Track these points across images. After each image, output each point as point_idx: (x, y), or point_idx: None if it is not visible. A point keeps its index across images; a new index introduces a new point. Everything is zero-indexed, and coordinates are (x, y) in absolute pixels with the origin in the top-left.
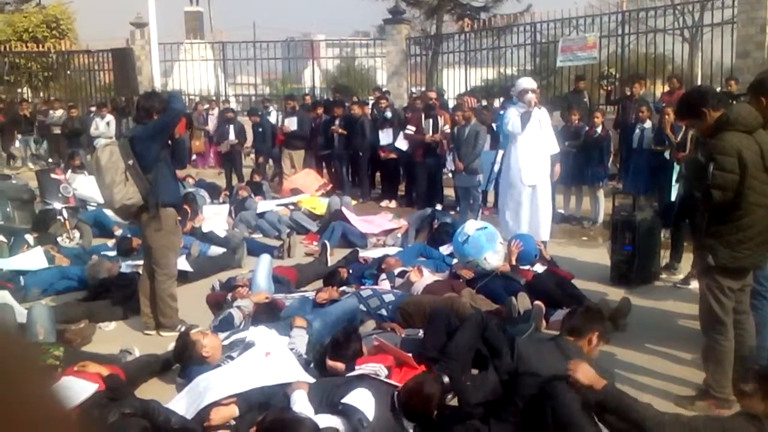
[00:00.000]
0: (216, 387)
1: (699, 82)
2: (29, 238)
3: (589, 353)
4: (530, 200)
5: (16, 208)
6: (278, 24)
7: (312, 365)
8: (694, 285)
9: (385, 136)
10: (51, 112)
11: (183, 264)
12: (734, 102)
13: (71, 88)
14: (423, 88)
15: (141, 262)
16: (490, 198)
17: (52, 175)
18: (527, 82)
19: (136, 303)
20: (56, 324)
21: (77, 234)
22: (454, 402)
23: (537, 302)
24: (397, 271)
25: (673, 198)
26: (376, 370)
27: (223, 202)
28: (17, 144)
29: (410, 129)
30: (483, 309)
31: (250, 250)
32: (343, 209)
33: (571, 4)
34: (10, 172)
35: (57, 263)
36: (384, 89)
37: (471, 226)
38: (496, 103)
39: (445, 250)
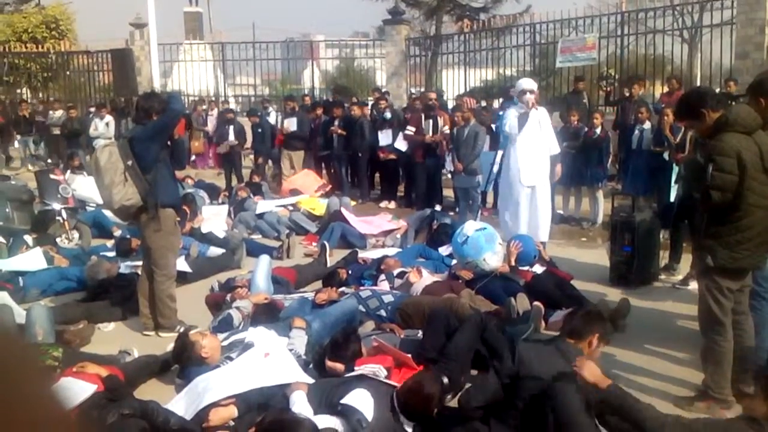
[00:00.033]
0: (215, 388)
1: (698, 83)
2: (28, 238)
3: (589, 355)
4: (529, 201)
5: (15, 208)
6: (278, 24)
7: (311, 366)
8: (693, 286)
9: (384, 137)
10: (51, 112)
11: (182, 265)
12: (733, 103)
13: (70, 88)
14: (422, 89)
15: (140, 263)
16: (490, 199)
17: (51, 176)
18: (527, 83)
19: (135, 304)
20: (55, 325)
21: (76, 235)
22: (453, 403)
23: (536, 303)
24: (396, 271)
25: (672, 199)
26: (375, 371)
27: (223, 203)
28: (16, 144)
29: (410, 130)
30: (482, 310)
31: (249, 250)
32: (343, 210)
33: (570, 5)
34: (9, 173)
35: (56, 264)
36: (383, 90)
37: (470, 227)
38: (496, 103)
39: (444, 250)
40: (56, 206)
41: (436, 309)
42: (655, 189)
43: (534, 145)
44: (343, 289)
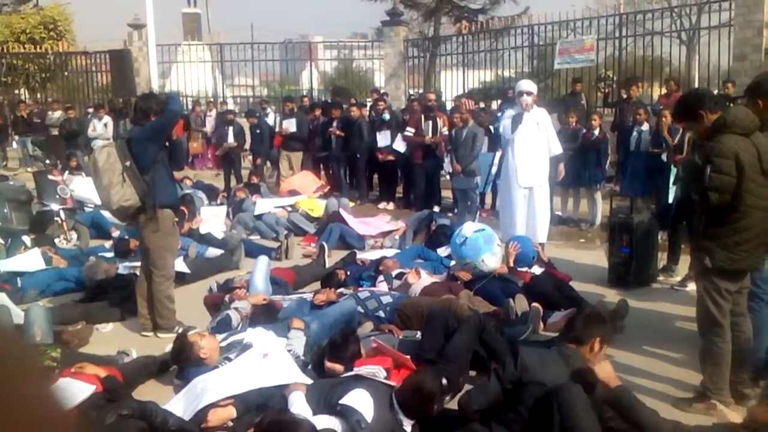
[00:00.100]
0: (213, 388)
1: (696, 85)
2: (26, 239)
3: (593, 359)
4: (527, 202)
5: (14, 209)
6: (276, 26)
7: (310, 367)
8: (692, 287)
9: (382, 138)
10: (49, 113)
11: (180, 265)
12: (731, 105)
13: (69, 89)
14: (421, 90)
15: (138, 264)
16: (488, 200)
17: (50, 177)
18: (524, 85)
19: (133, 304)
20: (53, 325)
21: (74, 235)
22: (452, 405)
23: (535, 304)
24: (394, 272)
25: (670, 200)
26: (374, 372)
27: (221, 204)
28: (14, 145)
29: (409, 131)
30: (481, 311)
31: (248, 251)
32: (341, 211)
33: (568, 7)
34: (7, 174)
35: (54, 264)
36: (382, 91)
37: (469, 228)
38: (494, 105)
39: (442, 251)
40: (54, 207)
41: (434, 310)
42: (654, 190)
43: (531, 146)
44: (341, 290)
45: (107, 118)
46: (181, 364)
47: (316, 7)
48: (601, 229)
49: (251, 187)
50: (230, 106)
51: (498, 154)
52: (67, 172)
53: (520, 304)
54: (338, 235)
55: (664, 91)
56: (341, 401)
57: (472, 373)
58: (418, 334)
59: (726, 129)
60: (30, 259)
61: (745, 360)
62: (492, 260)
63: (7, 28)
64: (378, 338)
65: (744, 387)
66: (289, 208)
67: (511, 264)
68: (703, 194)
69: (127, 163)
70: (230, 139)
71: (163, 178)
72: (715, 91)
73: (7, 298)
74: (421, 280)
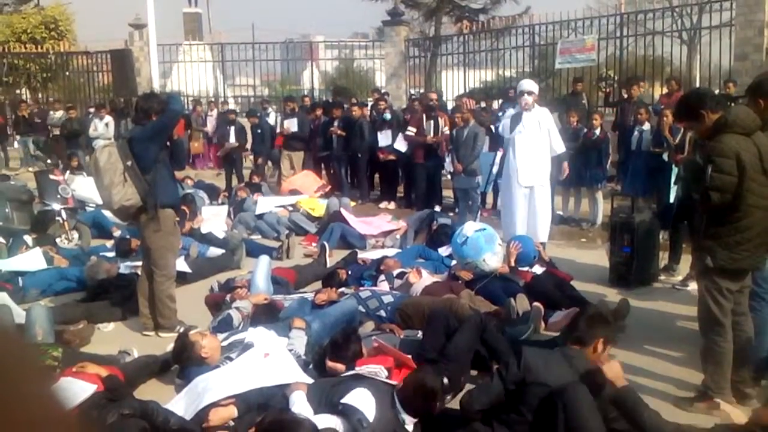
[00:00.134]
0: (215, 388)
1: (697, 85)
2: (28, 239)
3: (597, 360)
4: (528, 201)
5: (15, 209)
6: (277, 25)
7: (311, 366)
8: (693, 286)
9: (383, 138)
10: (51, 113)
11: (182, 265)
12: (732, 104)
13: (70, 89)
14: (422, 90)
15: (140, 263)
16: (489, 199)
17: (51, 176)
18: (525, 85)
19: (134, 304)
20: (55, 325)
21: (76, 235)
22: (453, 404)
23: (536, 304)
24: (395, 272)
25: (671, 200)
26: (375, 372)
27: (222, 204)
28: (16, 145)
29: (411, 130)
30: (482, 310)
31: (249, 251)
32: (342, 210)
33: (569, 7)
34: (8, 173)
35: (56, 264)
36: (383, 91)
37: (470, 228)
38: (495, 104)
39: (444, 251)
40: (56, 206)
41: (435, 309)
42: (655, 190)
43: (532, 145)
44: (342, 289)
45: (108, 118)
46: (183, 363)
47: (317, 7)
48: (602, 228)
49: (252, 186)
50: (231, 105)
51: (499, 153)
52: (68, 171)
53: (521, 303)
54: (339, 235)
55: (665, 90)
56: (343, 400)
57: (474, 372)
58: (420, 334)
59: (727, 128)
60: (31, 259)
61: (746, 359)
62: (493, 260)
63: (9, 27)
64: (379, 338)
65: (745, 386)
66: (291, 208)
67: (513, 263)
68: (705, 194)
69: (129, 163)
70: (232, 138)
71: (165, 177)
72: (717, 91)
73: (8, 298)
74: (423, 279)
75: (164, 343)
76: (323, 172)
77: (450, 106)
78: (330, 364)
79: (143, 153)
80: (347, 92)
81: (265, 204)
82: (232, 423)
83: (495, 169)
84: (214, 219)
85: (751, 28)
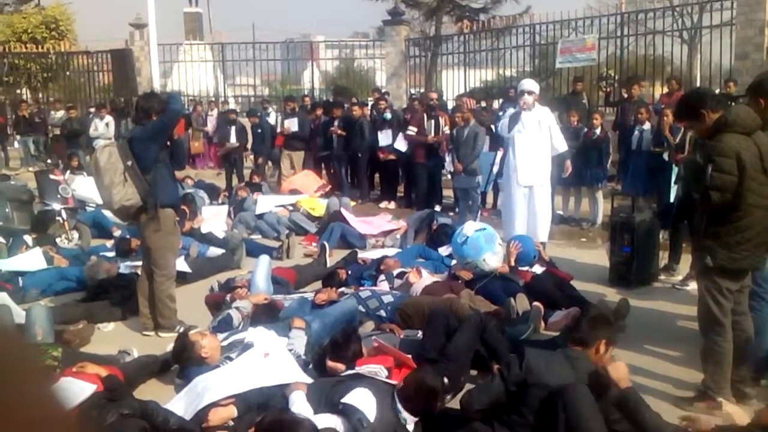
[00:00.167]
0: (215, 388)
1: (698, 84)
2: (28, 238)
3: (599, 361)
4: (527, 201)
5: (15, 208)
6: (277, 25)
7: (311, 366)
8: (693, 286)
9: (384, 138)
10: (52, 112)
11: (182, 265)
12: (733, 104)
13: (70, 89)
14: (422, 90)
15: (140, 263)
16: (489, 199)
17: (51, 176)
18: (526, 84)
19: (134, 304)
20: (55, 325)
21: (76, 235)
22: (453, 404)
23: (536, 303)
24: (396, 272)
25: (671, 199)
26: (376, 372)
27: (222, 203)
28: (16, 144)
29: (412, 130)
30: (482, 310)
31: (249, 251)
32: (342, 210)
33: (570, 6)
34: (8, 173)
35: (56, 264)
36: (383, 90)
37: (470, 228)
38: (495, 104)
39: (444, 251)
40: (56, 206)
41: (435, 309)
42: (655, 189)
43: (531, 145)
44: (342, 289)
45: (109, 118)
46: (183, 363)
47: (317, 7)
48: (602, 228)
49: (253, 186)
50: (231, 105)
51: (499, 153)
52: (68, 171)
53: (521, 303)
54: (339, 235)
55: (665, 90)
56: (343, 400)
57: (473, 372)
58: (420, 334)
59: (727, 128)
60: (31, 259)
61: (746, 359)
62: (493, 259)
63: (9, 27)
64: (379, 337)
65: (745, 386)
66: (291, 208)
67: (513, 263)
68: (705, 193)
69: (129, 163)
70: (233, 138)
71: (165, 177)
72: (717, 90)
73: (8, 298)
74: (423, 279)
75: (164, 343)
76: (323, 171)
77: (450, 105)
78: (330, 363)
79: (143, 153)
80: (347, 92)
81: (265, 203)
82: (231, 423)
83: (495, 169)
84: (214, 219)
85: (751, 27)
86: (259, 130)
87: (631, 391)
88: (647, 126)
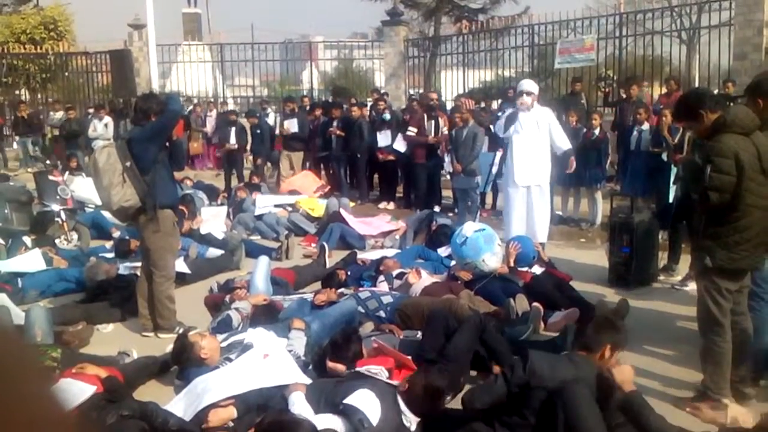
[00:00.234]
0: (214, 389)
1: (696, 84)
2: (27, 240)
3: (604, 366)
4: (527, 202)
5: (14, 209)
6: (276, 26)
7: (310, 367)
8: (692, 286)
9: (383, 138)
10: (51, 113)
11: (181, 266)
12: (731, 104)
13: (69, 89)
14: (421, 90)
15: (139, 264)
16: (489, 200)
17: (50, 177)
18: (525, 85)
19: (134, 305)
20: (54, 326)
21: (75, 236)
22: (452, 405)
23: (535, 304)
24: (395, 272)
25: (670, 200)
26: (377, 373)
27: (222, 204)
28: (15, 146)
29: (412, 130)
30: (481, 311)
31: (249, 251)
32: (342, 211)
33: (568, 6)
34: (7, 173)
35: (55, 265)
36: (382, 91)
37: (469, 228)
38: (494, 104)
39: (443, 251)
40: (55, 207)
41: (435, 310)
42: (654, 190)
43: (529, 145)
44: (342, 290)
45: (108, 119)
46: (182, 364)
47: (316, 7)
48: (601, 228)
49: (252, 186)
50: (230, 106)
51: (498, 153)
52: (67, 172)
53: (520, 303)
54: (339, 235)
55: (664, 90)
56: (345, 401)
57: (473, 373)
58: (419, 334)
59: (726, 128)
60: (30, 260)
61: (745, 359)
62: (492, 260)
63: (8, 28)
64: (379, 338)
65: (745, 386)
66: (290, 208)
67: (512, 264)
68: (703, 194)
69: (128, 164)
70: (232, 139)
71: (164, 178)
72: (716, 91)
73: (7, 299)
74: (422, 280)
75: (163, 344)
76: (322, 172)
77: (449, 106)
78: (330, 364)
79: (142, 154)
80: (346, 92)
81: (265, 201)
82: (231, 424)
83: (494, 169)
84: (213, 220)
85: (750, 27)
86: (258, 131)
87: (635, 394)
88: (646, 126)
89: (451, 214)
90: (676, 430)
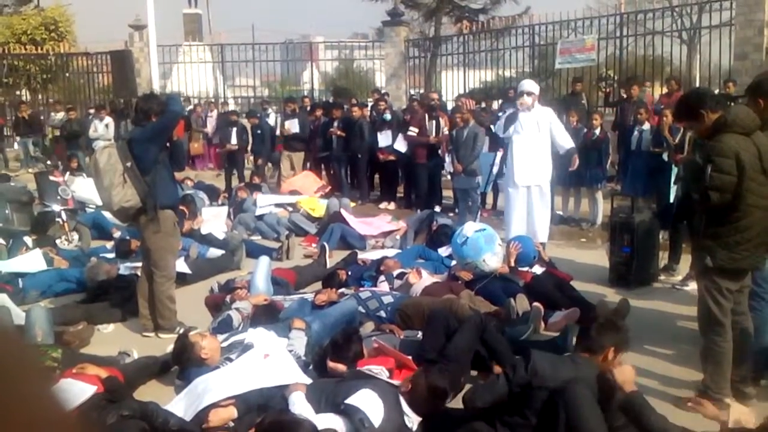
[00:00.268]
0: (215, 389)
1: (697, 84)
2: (28, 240)
3: (607, 368)
4: (527, 202)
5: (15, 210)
6: (277, 26)
7: (311, 367)
8: (693, 286)
9: (383, 138)
10: (53, 114)
11: (181, 266)
12: (732, 104)
13: (70, 90)
14: (421, 90)
15: (139, 264)
16: (489, 200)
17: (51, 178)
18: (526, 85)
19: (134, 305)
20: (54, 326)
21: (76, 236)
22: (452, 405)
23: (536, 304)
24: (395, 272)
25: (671, 200)
26: (377, 373)
27: (222, 204)
28: (15, 146)
29: (413, 130)
30: (482, 311)
31: (249, 252)
32: (342, 211)
33: (569, 7)
34: (8, 174)
35: (55, 265)
36: (383, 91)
37: (470, 228)
38: (495, 105)
39: (443, 251)
40: (56, 208)
41: (435, 310)
42: (655, 190)
43: (529, 146)
44: (342, 290)
45: (108, 119)
46: (183, 364)
47: (316, 8)
48: (602, 228)
49: (252, 186)
50: (231, 106)
51: (499, 153)
52: (68, 173)
53: (521, 303)
54: (339, 236)
55: (665, 90)
56: (347, 401)
57: (473, 372)
58: (420, 334)
59: (727, 128)
60: (31, 260)
61: (746, 359)
62: (493, 260)
63: (8, 29)
64: (379, 338)
65: (745, 386)
66: (290, 209)
67: (512, 264)
68: (704, 194)
69: (128, 164)
70: (233, 140)
71: (164, 178)
72: (716, 91)
73: (8, 299)
74: (422, 280)
75: (164, 344)
76: (323, 172)
77: (450, 106)
78: (331, 364)
79: (143, 154)
80: (347, 93)
81: (266, 200)
82: (231, 424)
83: (495, 170)
84: (214, 220)
85: (750, 27)
86: (259, 131)
87: (636, 394)
88: (647, 126)
89: (451, 214)
90: (678, 430)
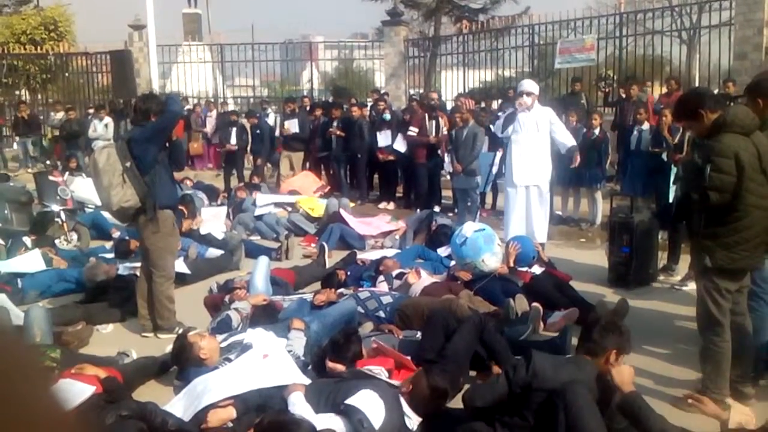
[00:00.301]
0: (214, 389)
1: (696, 84)
2: (27, 240)
3: (609, 371)
4: (525, 201)
5: (14, 210)
6: (276, 26)
7: (310, 367)
8: (692, 286)
9: (383, 138)
10: (52, 114)
11: (181, 266)
12: (731, 104)
13: (69, 90)
14: (421, 90)
15: (138, 265)
16: (488, 200)
17: (50, 178)
18: (525, 85)
19: (133, 305)
20: (53, 326)
21: (75, 236)
22: (452, 405)
23: (535, 304)
24: (395, 272)
25: (670, 200)
26: (377, 373)
27: (221, 205)
28: (15, 146)
29: (413, 130)
30: (481, 311)
31: (248, 252)
32: (341, 211)
33: (569, 6)
34: (7, 174)
35: (54, 265)
36: (382, 91)
37: (469, 228)
38: (494, 104)
39: (443, 251)
40: (55, 208)
41: (434, 310)
42: (654, 190)
43: (528, 146)
44: (341, 290)
45: (108, 119)
46: (182, 364)
47: (316, 8)
48: (601, 228)
49: (251, 186)
50: (231, 106)
51: (498, 153)
52: (67, 173)
53: (520, 304)
54: (338, 236)
55: (664, 90)
56: (347, 401)
57: (473, 373)
58: (419, 334)
59: (726, 128)
60: (30, 260)
61: (745, 359)
62: (492, 260)
63: (8, 29)
64: (378, 338)
65: (744, 386)
66: (290, 209)
67: (512, 264)
68: (703, 194)
69: (128, 164)
70: (233, 140)
71: (163, 178)
72: (716, 90)
73: (7, 299)
74: (422, 280)
75: (163, 345)
76: (323, 172)
77: (449, 106)
78: (330, 364)
79: (142, 154)
80: (346, 93)
81: (265, 200)
82: (230, 424)
83: (494, 169)
84: (213, 220)
85: (750, 27)
86: (258, 131)
87: (635, 395)
88: (646, 126)
89: (450, 214)
90: (677, 430)
